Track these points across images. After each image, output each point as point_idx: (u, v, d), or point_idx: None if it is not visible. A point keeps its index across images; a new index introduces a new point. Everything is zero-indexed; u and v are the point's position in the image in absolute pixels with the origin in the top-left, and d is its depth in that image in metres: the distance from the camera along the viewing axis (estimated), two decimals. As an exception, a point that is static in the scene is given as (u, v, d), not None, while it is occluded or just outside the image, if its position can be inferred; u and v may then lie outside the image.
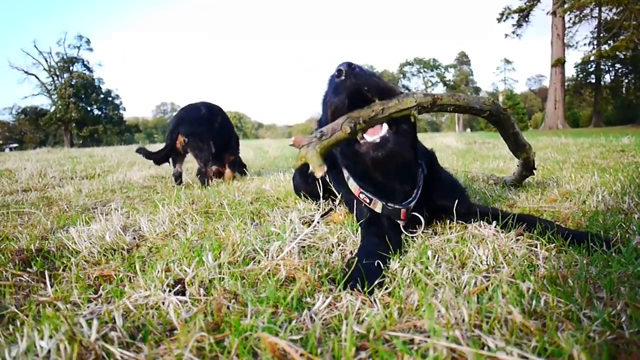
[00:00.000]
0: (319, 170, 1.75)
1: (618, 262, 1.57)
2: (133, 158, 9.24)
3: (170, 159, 4.93)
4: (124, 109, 67.49)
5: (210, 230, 2.36)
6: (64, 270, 1.82)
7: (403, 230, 2.10)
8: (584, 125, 55.47)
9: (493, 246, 1.76)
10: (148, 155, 4.88)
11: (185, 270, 1.60)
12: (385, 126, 1.85)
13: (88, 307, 1.40)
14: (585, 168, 4.69)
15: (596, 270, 1.53)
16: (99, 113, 64.02)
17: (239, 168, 5.40)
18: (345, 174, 2.30)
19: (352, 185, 2.21)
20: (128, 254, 2.01)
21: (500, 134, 2.48)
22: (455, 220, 2.22)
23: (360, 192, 2.14)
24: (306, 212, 2.74)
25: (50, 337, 1.12)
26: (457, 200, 2.18)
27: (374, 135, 1.84)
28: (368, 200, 2.10)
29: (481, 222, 2.16)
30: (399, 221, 2.09)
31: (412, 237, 2.10)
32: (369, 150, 1.84)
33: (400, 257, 1.77)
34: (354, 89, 1.75)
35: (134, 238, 2.29)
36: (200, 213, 2.84)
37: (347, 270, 1.57)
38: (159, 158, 4.88)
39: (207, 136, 4.82)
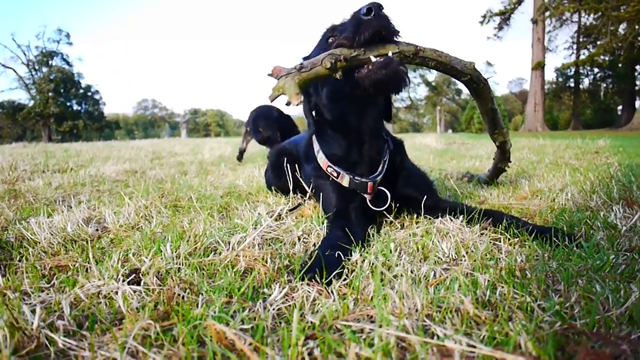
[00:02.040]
0: (295, 98, 1.74)
1: (578, 256, 1.58)
2: (108, 152, 9.13)
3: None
4: (104, 105, 66.46)
5: (175, 222, 2.33)
6: (19, 261, 1.78)
7: (370, 205, 2.12)
8: (563, 128, 56.18)
9: (455, 240, 1.75)
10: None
11: (143, 260, 1.57)
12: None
13: (39, 296, 1.36)
14: (558, 168, 4.74)
15: (556, 263, 1.53)
16: (79, 108, 62.96)
17: None
18: (316, 147, 2.31)
19: (321, 159, 2.23)
20: (88, 245, 1.96)
21: (479, 108, 2.47)
22: (422, 214, 2.22)
23: (328, 166, 2.16)
24: (275, 207, 2.72)
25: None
26: (425, 193, 2.20)
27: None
28: (336, 174, 2.13)
29: (449, 217, 2.16)
30: (365, 195, 2.12)
31: (379, 232, 2.09)
32: (373, 70, 1.79)
33: (363, 249, 1.76)
34: (377, 29, 1.73)
35: (97, 229, 2.24)
36: (168, 206, 2.80)
37: (307, 261, 1.56)
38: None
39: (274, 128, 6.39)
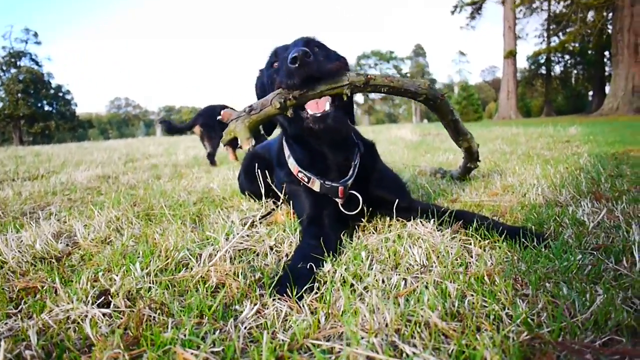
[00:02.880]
0: (246, 143, 1.79)
1: (546, 257, 1.61)
2: (80, 157, 8.98)
3: (203, 143, 6.97)
4: (76, 105, 65.14)
5: (148, 234, 2.30)
6: (-13, 283, 1.74)
7: (342, 209, 2.14)
8: (536, 114, 57.04)
9: (427, 245, 1.77)
10: (170, 128, 7.09)
11: (114, 279, 1.55)
12: (327, 103, 1.87)
13: (6, 323, 1.33)
14: (530, 160, 4.81)
15: (525, 266, 1.56)
16: (50, 109, 61.69)
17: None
18: (286, 152, 2.32)
19: (292, 164, 2.24)
20: (58, 263, 1.93)
21: (441, 121, 2.49)
22: (395, 217, 2.23)
23: (299, 171, 2.17)
24: (249, 213, 2.71)
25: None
26: (397, 195, 2.21)
27: (317, 109, 1.86)
28: (306, 179, 2.15)
29: (420, 219, 2.18)
30: (337, 199, 2.14)
31: (352, 237, 2.10)
32: (310, 123, 1.87)
33: (336, 258, 1.76)
34: (306, 76, 1.73)
35: (67, 244, 2.20)
36: (140, 216, 2.77)
37: (279, 275, 1.56)
38: (176, 129, 7.08)
39: (217, 129, 6.67)
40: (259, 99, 2.14)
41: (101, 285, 1.51)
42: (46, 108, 61.55)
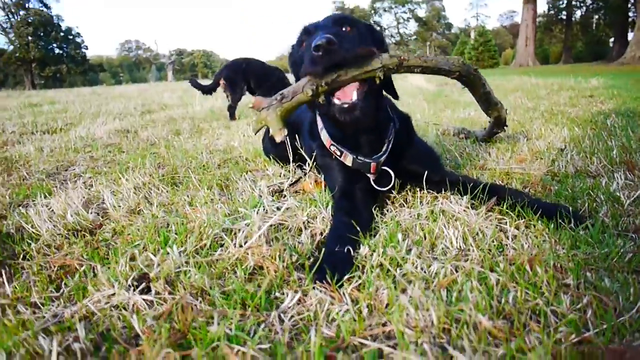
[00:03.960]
0: (278, 134, 1.76)
1: (585, 242, 1.59)
2: (96, 105, 8.96)
3: (226, 95, 7.01)
4: (87, 48, 64.62)
5: (176, 202, 2.31)
6: (24, 259, 1.76)
7: (373, 185, 2.12)
8: (554, 61, 55.73)
9: (462, 226, 1.75)
10: (197, 86, 7.10)
11: (152, 261, 1.56)
12: (355, 92, 1.82)
13: (49, 309, 1.35)
14: (554, 118, 4.71)
15: (563, 251, 1.54)
16: (60, 52, 61.26)
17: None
18: (319, 124, 2.28)
19: (325, 137, 2.21)
20: (91, 237, 1.94)
21: (472, 94, 2.44)
22: (426, 189, 2.20)
23: (332, 144, 2.14)
24: (275, 179, 2.69)
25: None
26: (431, 169, 2.19)
27: (344, 98, 1.82)
28: (339, 153, 2.11)
29: (451, 193, 2.15)
30: (369, 175, 2.11)
31: (383, 211, 2.09)
32: (338, 113, 1.83)
33: (371, 238, 1.75)
34: (330, 64, 1.69)
35: (98, 214, 2.22)
36: (166, 181, 2.77)
37: (316, 254, 1.56)
38: (205, 90, 7.08)
39: (240, 83, 6.90)
40: (293, 74, 2.10)
41: (140, 269, 1.52)
42: (57, 51, 61.20)
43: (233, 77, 6.91)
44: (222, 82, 6.93)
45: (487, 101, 2.46)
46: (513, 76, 16.39)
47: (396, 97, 2.25)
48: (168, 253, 1.59)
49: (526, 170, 2.66)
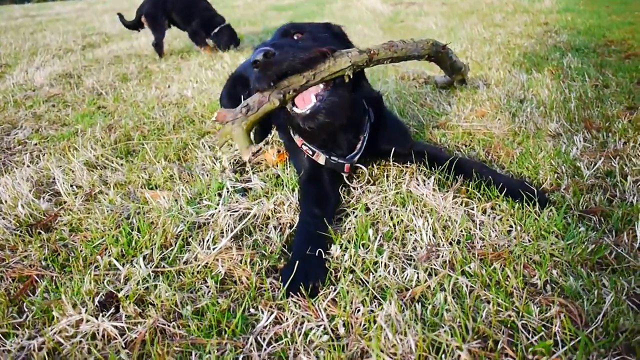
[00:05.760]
0: (246, 152, 1.65)
1: (549, 231, 1.63)
2: (33, 40, 8.35)
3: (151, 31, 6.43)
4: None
5: (134, 182, 2.22)
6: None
7: (346, 181, 2.09)
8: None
9: (430, 215, 1.76)
10: (124, 22, 6.54)
11: (117, 269, 1.51)
12: (313, 96, 1.72)
13: (15, 341, 1.29)
14: (512, 54, 4.70)
15: (530, 240, 1.58)
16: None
17: (224, 43, 6.49)
18: None
19: (296, 136, 2.11)
20: (47, 233, 1.85)
21: (439, 66, 2.40)
22: (391, 161, 2.19)
23: (303, 144, 2.05)
24: (235, 151, 2.60)
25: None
26: (401, 144, 2.17)
27: (304, 106, 1.72)
28: (311, 152, 2.03)
29: (417, 166, 2.15)
30: (342, 174, 2.07)
31: (349, 189, 2.08)
32: (301, 122, 1.72)
33: (342, 234, 1.74)
34: (275, 77, 1.61)
35: (50, 200, 2.11)
36: (120, 151, 2.64)
37: (287, 252, 1.59)
38: (130, 26, 6.53)
39: (161, 17, 6.34)
40: None
41: (104, 287, 1.46)
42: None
43: (153, 12, 6.33)
44: (142, 18, 6.37)
45: (452, 68, 2.42)
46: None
47: (369, 88, 2.17)
48: (134, 267, 1.53)
49: (488, 129, 2.67)
